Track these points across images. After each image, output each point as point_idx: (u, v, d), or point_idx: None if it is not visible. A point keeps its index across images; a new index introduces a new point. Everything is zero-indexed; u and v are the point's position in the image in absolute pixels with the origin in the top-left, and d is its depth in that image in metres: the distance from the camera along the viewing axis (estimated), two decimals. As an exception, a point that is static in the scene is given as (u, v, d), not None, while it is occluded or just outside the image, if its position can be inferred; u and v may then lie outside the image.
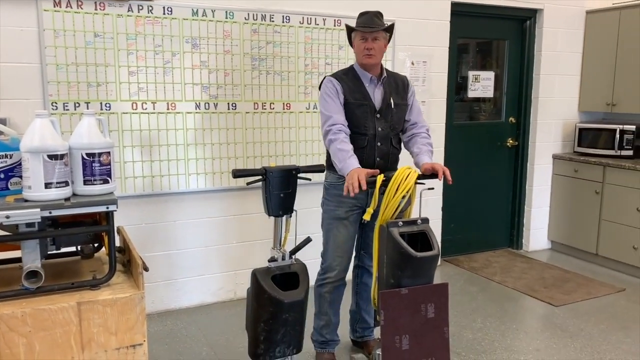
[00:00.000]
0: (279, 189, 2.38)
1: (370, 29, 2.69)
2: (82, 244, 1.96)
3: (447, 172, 2.55)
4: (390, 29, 2.76)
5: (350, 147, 2.62)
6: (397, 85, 2.85)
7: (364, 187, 2.42)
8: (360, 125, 2.73)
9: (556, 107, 5.13)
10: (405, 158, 2.92)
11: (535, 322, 3.73)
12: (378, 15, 2.75)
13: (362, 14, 2.76)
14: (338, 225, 2.81)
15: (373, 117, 2.75)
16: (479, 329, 3.57)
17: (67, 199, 1.72)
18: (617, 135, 4.81)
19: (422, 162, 2.68)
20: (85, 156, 1.77)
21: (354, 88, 2.75)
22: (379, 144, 2.75)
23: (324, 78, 2.81)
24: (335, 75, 2.80)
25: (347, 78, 2.78)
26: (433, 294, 2.41)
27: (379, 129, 2.75)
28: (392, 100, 2.79)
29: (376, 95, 2.78)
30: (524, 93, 5.10)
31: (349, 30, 2.80)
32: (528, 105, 5.10)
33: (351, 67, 2.84)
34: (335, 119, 2.66)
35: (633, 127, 4.76)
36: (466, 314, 3.80)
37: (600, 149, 4.92)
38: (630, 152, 4.78)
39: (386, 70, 2.86)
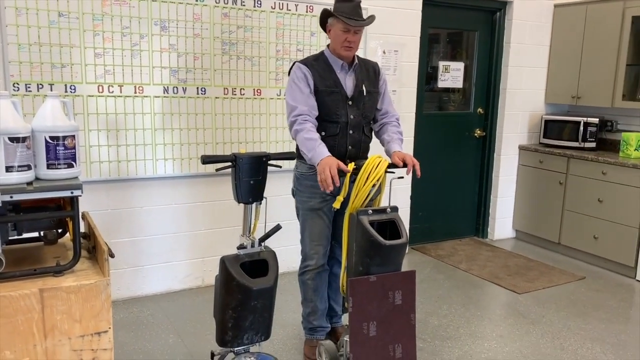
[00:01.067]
0: (248, 175, 2.36)
1: (357, 22, 2.61)
2: (45, 230, 1.91)
3: (417, 166, 2.57)
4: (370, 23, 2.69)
5: (317, 135, 2.60)
6: (369, 72, 2.83)
7: (337, 182, 2.42)
8: (331, 113, 2.70)
9: (523, 99, 5.23)
10: (375, 147, 2.92)
11: (499, 309, 3.82)
12: (360, 5, 2.66)
13: (343, 0, 2.64)
14: (313, 216, 2.80)
15: (345, 104, 2.72)
16: (444, 315, 3.63)
17: (29, 183, 1.67)
18: (581, 128, 4.93)
19: (392, 150, 2.69)
20: (48, 139, 1.72)
21: (324, 75, 2.71)
22: (350, 131, 2.73)
23: (293, 64, 2.75)
24: (305, 62, 2.74)
25: (318, 64, 2.73)
26: (401, 281, 2.44)
27: (351, 116, 2.73)
28: (364, 88, 2.76)
29: (347, 82, 2.75)
30: (492, 84, 5.17)
31: (327, 14, 2.70)
32: (496, 96, 5.18)
33: (322, 53, 2.79)
34: (300, 110, 2.62)
35: (596, 120, 4.89)
36: (432, 301, 3.86)
37: (564, 140, 5.04)
38: (593, 145, 4.91)
39: (357, 56, 2.82)
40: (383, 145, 2.82)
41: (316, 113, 2.69)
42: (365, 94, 2.76)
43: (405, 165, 2.58)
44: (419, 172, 2.57)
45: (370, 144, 2.89)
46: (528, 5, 5.04)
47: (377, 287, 2.38)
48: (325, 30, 2.78)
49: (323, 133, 2.70)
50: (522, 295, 4.01)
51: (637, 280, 4.31)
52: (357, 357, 2.32)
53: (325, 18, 2.73)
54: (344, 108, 2.72)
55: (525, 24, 5.06)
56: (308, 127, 2.60)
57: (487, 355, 3.12)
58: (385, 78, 2.93)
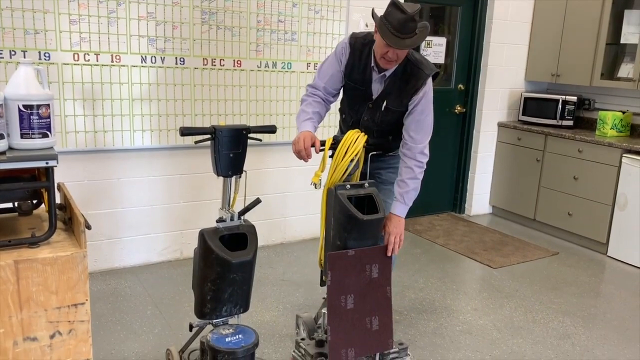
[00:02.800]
0: (228, 148, 2.33)
1: (398, 42, 2.28)
2: (20, 200, 1.87)
3: (397, 248, 2.50)
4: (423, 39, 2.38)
5: (312, 109, 2.56)
6: (406, 88, 2.51)
7: (309, 155, 2.40)
8: (352, 104, 2.68)
9: (504, 76, 5.25)
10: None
11: (474, 283, 3.90)
12: (414, 18, 2.27)
13: (396, 7, 2.27)
14: None
15: (365, 104, 2.61)
16: (421, 289, 3.69)
17: (2, 153, 1.63)
18: (560, 106, 4.98)
19: (390, 211, 2.61)
20: (22, 108, 1.67)
21: (359, 68, 2.56)
22: (362, 129, 2.59)
23: (350, 35, 2.59)
24: (354, 42, 2.54)
25: (361, 53, 2.55)
26: (378, 255, 2.47)
27: (365, 118, 2.64)
28: (385, 102, 2.55)
29: (375, 85, 2.58)
30: (473, 60, 5.18)
31: (373, 17, 2.41)
32: (477, 72, 5.19)
33: (372, 41, 2.50)
34: (316, 83, 2.62)
35: (574, 99, 4.94)
36: (409, 274, 3.92)
37: (543, 118, 5.09)
38: (571, 123, 4.97)
39: (407, 59, 2.48)
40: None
41: (331, 93, 2.64)
42: (383, 109, 2.57)
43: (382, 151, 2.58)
44: (395, 251, 2.49)
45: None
46: (511, -19, 5.03)
47: (355, 261, 2.40)
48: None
49: (343, 115, 2.75)
50: (497, 269, 4.09)
51: (609, 257, 4.43)
52: (335, 329, 2.35)
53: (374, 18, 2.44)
54: (363, 106, 2.63)
55: (508, 0, 5.05)
56: (311, 100, 2.60)
57: (462, 327, 3.19)
58: (423, 99, 2.53)
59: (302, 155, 2.41)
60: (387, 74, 2.54)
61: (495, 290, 3.74)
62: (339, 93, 2.69)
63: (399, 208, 2.62)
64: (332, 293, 2.35)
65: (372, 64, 2.54)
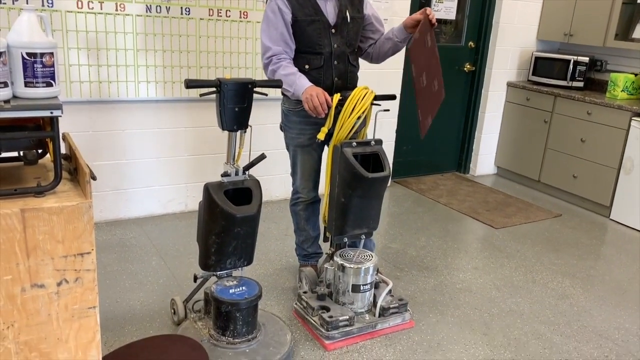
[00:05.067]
0: (233, 102, 2.31)
1: None
2: (25, 150, 1.87)
3: (431, 10, 2.54)
4: None
5: (295, 69, 2.53)
6: None
7: (330, 102, 2.40)
8: (314, 44, 2.59)
9: (515, 34, 5.13)
10: (366, 79, 2.86)
11: (475, 243, 3.93)
12: None
13: None
14: (302, 153, 2.77)
15: (328, 32, 2.59)
16: (422, 247, 3.73)
17: (6, 102, 1.61)
18: (571, 67, 4.89)
19: (400, 23, 2.66)
20: (25, 56, 1.65)
21: (303, 2, 2.56)
22: (335, 62, 2.63)
23: None
24: None
25: None
26: (426, 27, 2.52)
27: (335, 45, 2.61)
28: (347, 14, 2.63)
29: (329, 8, 2.60)
30: (485, 17, 5.06)
31: None
32: (488, 30, 5.07)
33: None
34: (274, 50, 2.54)
35: (586, 59, 4.85)
36: (411, 232, 3.95)
37: (553, 79, 5.01)
38: (581, 84, 4.89)
39: None
40: (389, 43, 2.73)
41: (292, 50, 2.59)
42: (349, 20, 2.63)
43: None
44: (433, 20, 2.55)
45: (359, 74, 2.82)
46: None
47: (420, 41, 2.51)
48: None
49: (307, 66, 2.61)
50: (498, 230, 4.12)
51: (611, 220, 4.44)
52: (422, 108, 2.60)
53: None
54: (326, 37, 2.60)
55: (524, -46, 4.90)
56: (284, 64, 2.53)
57: (462, 285, 3.23)
58: (370, 2, 2.79)
59: (319, 110, 2.40)
60: None
61: (497, 250, 3.77)
62: (294, 50, 2.62)
63: None
64: (416, 79, 2.53)
65: None
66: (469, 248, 3.80)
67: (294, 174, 2.89)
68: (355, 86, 2.72)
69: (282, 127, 2.85)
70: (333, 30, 2.61)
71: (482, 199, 4.77)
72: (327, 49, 2.61)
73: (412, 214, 4.32)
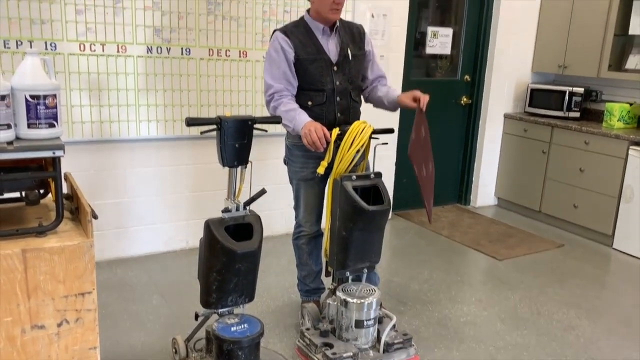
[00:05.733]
0: (234, 139, 2.34)
1: None
2: (27, 190, 1.88)
3: (426, 100, 2.61)
4: None
5: (295, 105, 2.57)
6: (353, 35, 2.76)
7: (329, 137, 2.43)
8: (316, 82, 2.64)
9: (510, 67, 5.21)
10: (366, 114, 2.89)
11: (479, 275, 3.90)
12: None
13: None
14: (305, 186, 2.79)
15: (330, 70, 2.66)
16: (425, 280, 3.70)
17: (9, 143, 1.63)
18: (566, 97, 4.95)
19: (396, 95, 2.71)
20: (29, 98, 1.68)
21: (305, 42, 2.63)
22: (338, 98, 2.68)
23: (273, 32, 2.68)
24: (284, 30, 2.66)
25: (298, 31, 2.65)
26: (420, 119, 2.61)
27: (337, 82, 2.67)
28: (349, 51, 2.69)
29: (330, 46, 2.67)
30: (480, 51, 5.14)
31: None
32: (483, 64, 5.16)
33: (302, 19, 2.71)
34: (276, 88, 2.59)
35: (581, 90, 4.91)
36: (414, 266, 3.92)
37: (549, 109, 5.06)
38: (578, 114, 4.94)
39: (340, 19, 2.73)
40: (381, 102, 2.80)
41: (294, 88, 2.65)
42: (350, 58, 2.70)
43: (389, 130, 2.62)
44: (423, 106, 2.61)
45: (361, 109, 2.86)
46: (519, -28, 4.98)
47: (418, 139, 2.59)
48: None
49: (309, 103, 2.66)
50: (502, 261, 4.09)
51: (614, 249, 4.42)
52: (426, 195, 2.67)
53: None
54: (328, 75, 2.65)
55: (516, -10, 5.02)
56: (285, 100, 2.58)
57: (466, 319, 3.19)
58: (371, 40, 2.87)
59: (318, 145, 2.43)
60: (332, 30, 2.68)
61: (500, 282, 3.74)
62: (296, 87, 2.67)
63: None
64: (418, 173, 2.62)
65: (321, 28, 2.65)
66: (473, 280, 3.77)
67: (297, 207, 2.90)
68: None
69: (286, 161, 2.88)
70: (335, 68, 2.67)
71: (484, 230, 4.76)
72: (329, 86, 2.66)
73: (414, 247, 4.30)
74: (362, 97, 2.90)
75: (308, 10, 2.71)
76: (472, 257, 4.19)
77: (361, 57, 2.78)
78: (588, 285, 3.73)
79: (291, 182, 2.90)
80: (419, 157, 2.64)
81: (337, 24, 2.70)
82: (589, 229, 4.63)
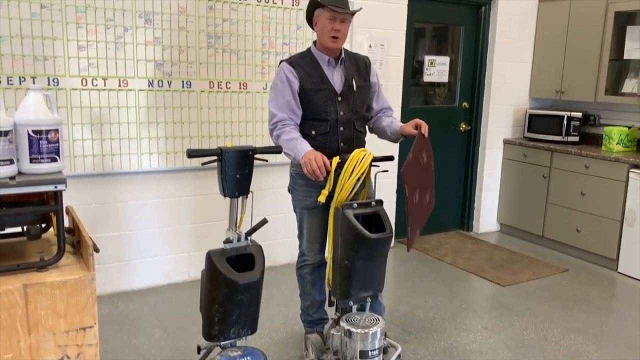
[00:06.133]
0: (235, 169, 2.35)
1: (343, 9, 2.57)
2: (29, 224, 1.89)
3: (426, 126, 2.62)
4: (355, 13, 2.69)
5: (297, 134, 2.60)
6: (359, 66, 2.80)
7: (329, 166, 2.44)
8: (320, 111, 2.67)
9: (508, 93, 5.26)
10: (371, 143, 2.90)
11: (483, 302, 3.86)
12: None
13: None
14: (309, 215, 2.80)
15: (334, 100, 2.68)
16: (430, 308, 3.66)
17: (12, 178, 1.65)
18: (565, 122, 4.98)
19: (399, 125, 2.72)
20: (31, 133, 1.70)
21: (311, 72, 2.67)
22: (341, 128, 2.70)
23: (280, 62, 2.73)
24: (290, 60, 2.71)
25: (304, 62, 2.70)
26: (420, 144, 2.56)
27: (341, 112, 2.69)
28: (354, 82, 2.72)
29: (335, 77, 2.71)
30: (477, 78, 5.20)
31: (314, 6, 2.66)
32: (481, 90, 5.21)
33: (308, 50, 2.76)
34: (279, 117, 2.63)
35: (579, 115, 4.95)
36: (418, 293, 3.89)
37: (548, 134, 5.09)
38: (577, 138, 4.97)
39: (345, 50, 2.79)
40: (384, 132, 2.81)
41: (298, 117, 2.68)
42: (355, 88, 2.73)
43: (389, 156, 2.64)
44: (424, 132, 2.61)
45: (366, 138, 2.87)
46: (513, 0, 5.07)
47: (415, 162, 2.53)
48: (311, 26, 2.74)
49: (313, 132, 2.69)
50: (506, 287, 4.06)
51: (619, 273, 4.38)
52: (412, 224, 2.58)
53: (311, 11, 2.70)
54: (332, 105, 2.68)
55: (510, 18, 5.09)
56: (287, 129, 2.60)
57: (472, 347, 3.15)
58: (377, 72, 2.91)
59: (317, 174, 2.44)
60: (337, 61, 2.73)
61: (505, 308, 3.70)
62: (300, 117, 2.70)
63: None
64: (408, 197, 2.52)
65: (327, 59, 2.70)
66: (478, 307, 3.73)
67: (300, 236, 2.90)
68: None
69: (290, 189, 2.88)
70: (339, 98, 2.70)
71: (487, 256, 4.73)
72: (333, 115, 2.68)
73: (418, 275, 4.27)
74: (367, 127, 2.92)
75: (314, 42, 2.76)
76: (476, 283, 4.16)
77: (366, 88, 2.81)
78: (594, 311, 3.69)
79: (295, 211, 2.90)
80: (414, 180, 2.60)
81: (342, 55, 2.75)
82: (592, 253, 4.60)
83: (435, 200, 2.70)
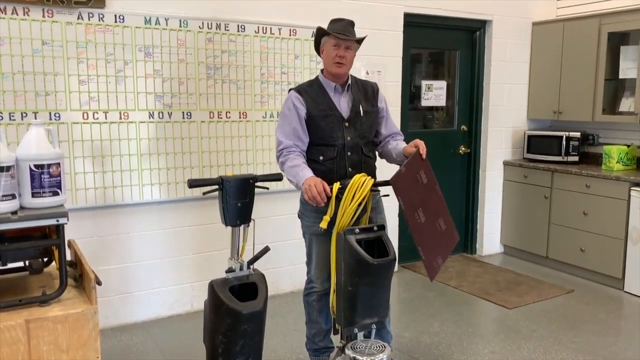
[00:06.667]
0: (236, 198, 2.36)
1: (346, 36, 2.64)
2: (31, 259, 1.88)
3: (423, 147, 2.61)
4: (362, 41, 2.74)
5: (300, 160, 2.62)
6: (367, 92, 2.83)
7: (329, 193, 2.45)
8: (327, 137, 2.70)
9: (506, 115, 5.30)
10: (380, 168, 2.91)
11: (490, 325, 3.82)
12: (352, 24, 2.71)
13: (336, 20, 2.71)
14: (318, 242, 2.79)
15: (341, 126, 2.71)
16: (436, 333, 3.62)
17: (14, 213, 1.65)
18: (564, 142, 5.00)
19: (403, 147, 2.73)
20: (33, 168, 1.71)
21: (318, 99, 2.71)
22: (349, 153, 2.72)
23: (289, 91, 2.78)
24: (298, 88, 2.76)
25: (311, 90, 2.74)
26: (417, 161, 2.55)
27: (348, 138, 2.71)
28: (360, 108, 2.75)
29: (342, 103, 2.75)
30: (475, 102, 5.24)
31: (320, 35, 2.73)
32: (479, 113, 5.24)
33: (316, 78, 2.81)
34: (285, 144, 2.66)
35: (578, 134, 4.97)
36: (424, 318, 3.85)
37: (548, 155, 5.10)
38: (576, 158, 4.98)
39: (353, 77, 2.83)
40: (391, 156, 2.81)
41: (304, 144, 2.70)
42: (362, 114, 2.76)
43: (391, 186, 2.62)
44: (423, 153, 2.60)
45: (377, 163, 2.88)
46: (507, 24, 5.14)
47: (408, 176, 2.52)
48: (319, 53, 2.79)
49: (321, 157, 2.71)
50: (512, 310, 4.02)
51: (626, 292, 4.34)
52: (422, 246, 2.51)
53: (318, 40, 2.76)
54: (339, 130, 2.71)
55: (505, 42, 5.16)
56: (292, 156, 2.63)
57: (480, 372, 3.11)
58: (385, 97, 2.93)
59: (318, 200, 2.45)
60: (344, 87, 2.76)
61: (512, 331, 3.66)
62: (307, 143, 2.73)
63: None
64: (408, 214, 2.51)
65: (333, 86, 2.73)
66: (484, 331, 3.69)
67: (309, 262, 2.89)
68: (372, 175, 2.77)
69: (300, 215, 2.89)
70: (346, 124, 2.72)
71: (492, 279, 4.69)
72: (340, 141, 2.71)
73: (423, 299, 4.23)
74: (377, 152, 2.93)
75: (322, 70, 2.81)
76: (482, 306, 4.12)
77: (373, 114, 2.83)
78: (602, 332, 3.65)
79: (304, 237, 2.90)
80: (410, 195, 2.56)
81: (349, 81, 2.79)
82: (598, 273, 4.56)
83: (457, 234, 2.56)
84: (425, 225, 2.54)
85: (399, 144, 2.82)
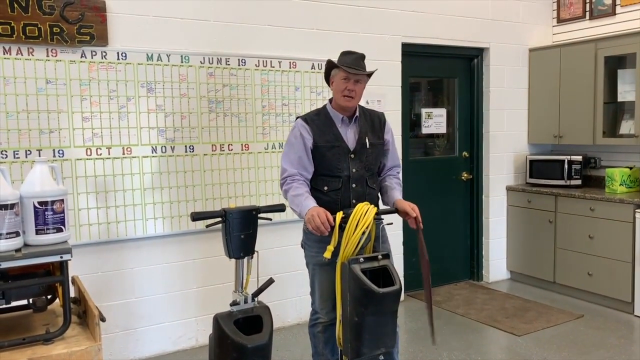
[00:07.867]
0: (239, 230, 2.36)
1: (356, 70, 2.65)
2: (34, 297, 1.87)
3: (419, 218, 2.62)
4: (372, 74, 2.76)
5: (304, 189, 2.62)
6: (374, 123, 2.84)
7: (332, 222, 2.44)
8: (332, 168, 2.71)
9: (507, 141, 5.31)
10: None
11: (499, 353, 3.76)
12: (363, 57, 2.72)
13: (346, 53, 2.72)
14: (321, 272, 2.77)
15: (347, 158, 2.72)
16: (445, 363, 3.56)
17: (17, 250, 1.65)
18: (566, 166, 5.00)
19: (395, 198, 2.73)
20: (37, 205, 1.72)
21: (324, 129, 2.72)
22: (353, 185, 2.72)
23: (296, 119, 2.79)
24: (305, 117, 2.77)
25: (318, 119, 2.75)
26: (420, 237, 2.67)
27: (353, 170, 2.72)
28: (367, 140, 2.76)
29: (349, 135, 2.75)
30: (475, 128, 5.27)
31: (331, 67, 2.74)
32: (480, 139, 5.26)
33: (323, 108, 2.82)
34: (289, 172, 2.67)
35: (580, 158, 4.97)
36: (432, 348, 3.79)
37: (550, 179, 5.10)
38: (579, 182, 4.97)
39: (361, 107, 2.84)
40: (382, 192, 2.83)
41: (309, 172, 2.71)
42: (368, 146, 2.76)
43: (401, 211, 2.67)
44: (420, 226, 2.63)
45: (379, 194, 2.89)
46: (504, 51, 5.20)
47: (423, 254, 2.65)
48: (329, 84, 2.81)
49: (325, 188, 2.71)
50: (521, 337, 3.96)
51: (636, 316, 4.28)
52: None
53: (328, 71, 2.78)
54: (345, 162, 2.71)
55: (503, 68, 5.21)
56: (295, 185, 2.63)
57: (491, 402, 3.04)
58: (392, 129, 2.94)
59: (322, 229, 2.44)
60: (351, 119, 2.77)
61: (522, 359, 3.60)
62: (311, 173, 2.74)
63: (400, 193, 2.84)
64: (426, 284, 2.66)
65: (340, 118, 2.75)
66: None
67: (313, 293, 2.86)
68: (375, 206, 2.77)
69: (303, 245, 2.88)
70: (352, 156, 2.73)
71: (499, 306, 4.64)
72: (346, 172, 2.71)
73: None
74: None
75: (330, 100, 2.82)
76: (490, 334, 4.06)
77: (379, 146, 2.84)
78: (614, 357, 3.58)
79: (307, 267, 2.88)
80: (426, 269, 2.71)
81: (357, 113, 2.79)
82: (607, 297, 4.51)
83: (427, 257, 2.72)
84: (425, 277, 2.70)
85: (394, 193, 2.81)
